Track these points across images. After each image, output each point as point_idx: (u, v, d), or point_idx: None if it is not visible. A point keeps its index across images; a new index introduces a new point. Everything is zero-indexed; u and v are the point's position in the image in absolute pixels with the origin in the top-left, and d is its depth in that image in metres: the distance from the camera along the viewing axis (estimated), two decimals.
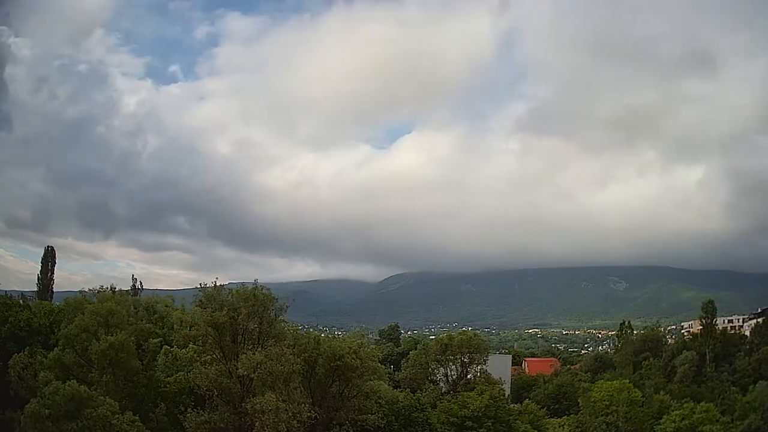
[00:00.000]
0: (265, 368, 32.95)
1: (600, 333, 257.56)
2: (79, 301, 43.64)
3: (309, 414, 33.90)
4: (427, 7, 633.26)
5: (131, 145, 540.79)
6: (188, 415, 34.90)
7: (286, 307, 37.29)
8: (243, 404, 33.85)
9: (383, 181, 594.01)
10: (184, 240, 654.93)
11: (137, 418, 33.42)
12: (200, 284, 37.23)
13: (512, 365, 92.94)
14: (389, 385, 55.04)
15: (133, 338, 37.95)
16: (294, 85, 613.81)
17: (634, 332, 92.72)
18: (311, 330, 60.64)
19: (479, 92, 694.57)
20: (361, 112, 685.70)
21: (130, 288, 73.82)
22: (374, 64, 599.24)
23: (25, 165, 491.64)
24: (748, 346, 77.26)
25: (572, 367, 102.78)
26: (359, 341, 42.17)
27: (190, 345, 39.90)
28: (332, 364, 39.05)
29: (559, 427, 58.68)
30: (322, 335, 50.76)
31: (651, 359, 77.99)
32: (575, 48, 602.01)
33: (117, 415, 32.24)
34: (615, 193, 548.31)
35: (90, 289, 45.14)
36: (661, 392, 58.78)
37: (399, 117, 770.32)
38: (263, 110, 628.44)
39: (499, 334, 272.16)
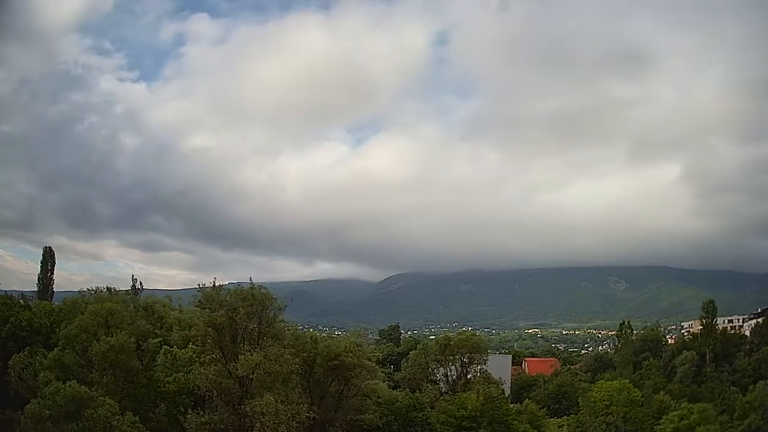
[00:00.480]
0: (263, 369, 32.96)
1: (600, 333, 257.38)
2: (79, 301, 43.73)
3: (308, 414, 33.91)
4: (367, 15, 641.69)
5: (114, 145, 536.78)
6: (188, 416, 34.90)
7: (285, 306, 37.32)
8: (242, 405, 33.85)
9: (376, 181, 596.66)
10: (183, 240, 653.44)
11: (137, 419, 33.43)
12: (199, 285, 37.32)
13: (512, 365, 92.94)
14: (389, 385, 55.16)
15: (132, 338, 37.96)
16: (263, 87, 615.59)
17: (634, 332, 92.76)
18: (311, 330, 60.73)
19: (426, 97, 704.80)
20: (330, 114, 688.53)
21: (129, 288, 73.77)
22: (320, 69, 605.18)
23: (14, 165, 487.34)
24: (748, 346, 77.23)
25: (572, 367, 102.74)
26: (356, 340, 42.25)
27: (190, 345, 39.93)
28: (330, 364, 39.10)
29: (559, 427, 58.71)
30: (321, 335, 50.85)
31: (651, 359, 77.99)
32: (511, 51, 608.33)
33: (117, 416, 32.26)
34: (604, 191, 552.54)
35: (89, 290, 45.31)
36: (661, 392, 58.75)
37: (366, 119, 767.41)
38: (236, 111, 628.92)
39: (499, 334, 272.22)
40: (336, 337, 46.38)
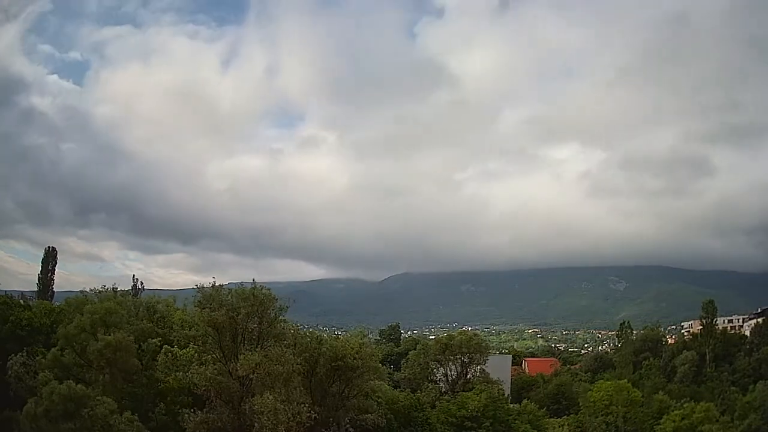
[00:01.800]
0: (264, 368, 32.92)
1: (600, 333, 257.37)
2: (80, 301, 43.64)
3: (309, 414, 33.87)
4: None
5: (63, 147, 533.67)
6: (186, 415, 34.85)
7: (286, 307, 37.27)
8: (242, 405, 33.82)
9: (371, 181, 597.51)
10: (184, 242, 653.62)
11: (136, 417, 33.39)
12: (197, 284, 37.29)
13: (512, 365, 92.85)
14: (389, 385, 55.10)
15: (132, 337, 37.89)
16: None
17: (634, 332, 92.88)
18: (311, 330, 60.62)
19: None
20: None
21: (130, 288, 73.69)
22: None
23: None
24: (748, 346, 77.24)
25: (572, 367, 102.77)
26: (360, 341, 42.23)
27: (191, 345, 39.87)
28: (333, 364, 39.08)
29: (559, 427, 58.61)
30: (325, 335, 50.79)
31: (651, 359, 78.09)
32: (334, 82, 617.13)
33: (115, 415, 32.22)
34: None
35: (91, 289, 45.23)
36: (661, 392, 58.78)
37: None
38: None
39: (499, 334, 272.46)
40: (340, 338, 46.23)
